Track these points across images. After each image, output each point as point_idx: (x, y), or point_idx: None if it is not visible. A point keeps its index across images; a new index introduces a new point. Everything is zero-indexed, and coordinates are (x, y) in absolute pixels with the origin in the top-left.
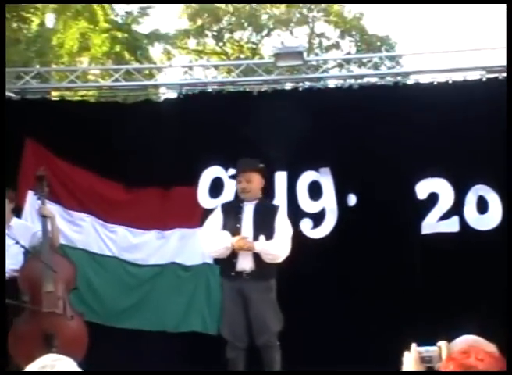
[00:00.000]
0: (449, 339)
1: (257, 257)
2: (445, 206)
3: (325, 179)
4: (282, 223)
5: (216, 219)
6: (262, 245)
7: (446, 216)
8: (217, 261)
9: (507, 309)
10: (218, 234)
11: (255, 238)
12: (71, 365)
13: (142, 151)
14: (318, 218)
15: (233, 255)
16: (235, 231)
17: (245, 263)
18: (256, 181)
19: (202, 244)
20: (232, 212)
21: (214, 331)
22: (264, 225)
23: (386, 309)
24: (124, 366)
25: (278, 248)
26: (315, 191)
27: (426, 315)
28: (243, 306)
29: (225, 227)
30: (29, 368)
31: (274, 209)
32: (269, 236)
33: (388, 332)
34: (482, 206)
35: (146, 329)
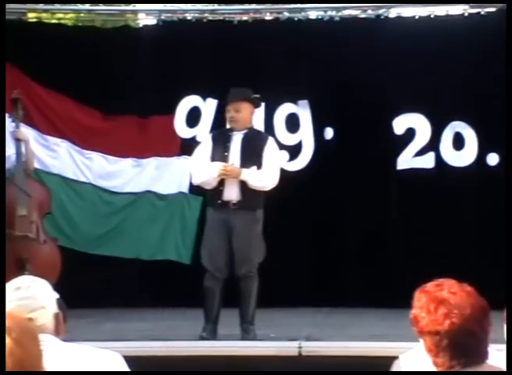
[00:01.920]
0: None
1: (244, 187)
2: (421, 142)
3: (303, 111)
4: (270, 153)
5: (205, 148)
6: (249, 173)
7: (422, 152)
8: (197, 191)
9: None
10: (206, 164)
11: (242, 167)
12: (46, 287)
13: (119, 78)
14: (294, 150)
15: (220, 184)
16: (222, 159)
17: (232, 193)
18: (245, 111)
19: (191, 173)
20: (220, 141)
21: (188, 260)
22: (252, 154)
23: (361, 243)
24: (97, 293)
25: (265, 175)
26: (293, 123)
27: (401, 250)
28: (226, 237)
29: (213, 155)
30: None
31: (263, 139)
32: (257, 165)
33: (361, 264)
34: (459, 143)
35: (120, 256)
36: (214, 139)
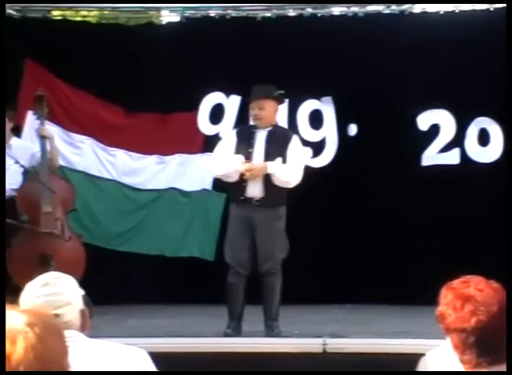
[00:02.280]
0: (443, 271)
1: (267, 184)
2: (446, 138)
3: (327, 108)
4: (295, 150)
5: (229, 143)
6: (276, 167)
7: (446, 148)
8: (225, 187)
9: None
10: (229, 157)
11: None
12: (72, 283)
13: (143, 75)
14: (318, 147)
15: (243, 180)
16: (247, 156)
17: (255, 189)
18: (269, 108)
19: (211, 165)
20: (245, 138)
21: (211, 257)
22: (277, 152)
23: (384, 239)
24: (121, 289)
25: (290, 171)
26: (316, 119)
27: (423, 247)
28: (250, 234)
29: (237, 152)
30: (29, 285)
31: (287, 136)
32: (282, 162)
33: (383, 261)
34: (484, 139)
35: (143, 252)
36: (238, 135)
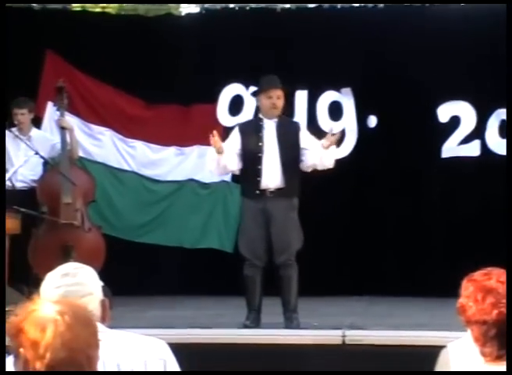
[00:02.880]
0: (462, 263)
1: (282, 173)
2: (466, 130)
3: (347, 99)
4: (309, 136)
5: (233, 140)
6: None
7: (467, 140)
8: (238, 180)
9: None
10: (212, 152)
11: (281, 155)
12: (92, 274)
13: (162, 66)
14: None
15: (257, 173)
16: (256, 150)
17: (269, 181)
18: (282, 98)
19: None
20: (252, 132)
21: (230, 249)
22: (289, 140)
23: (403, 231)
24: (141, 280)
25: (330, 153)
26: (336, 111)
27: (444, 239)
28: (264, 225)
29: (246, 147)
30: (50, 275)
31: (296, 126)
32: (295, 151)
33: (401, 252)
34: (504, 130)
35: (163, 244)
36: (242, 130)
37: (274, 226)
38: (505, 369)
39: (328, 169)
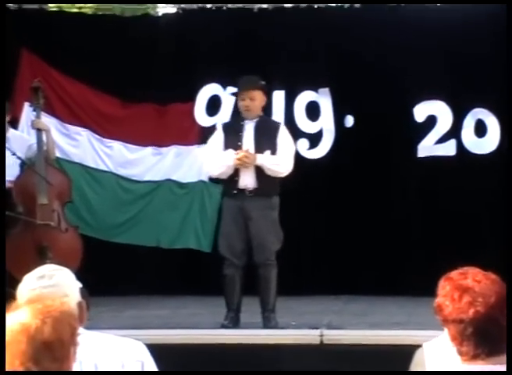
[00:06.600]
0: (439, 262)
1: (259, 173)
2: (442, 129)
3: (324, 99)
4: (284, 139)
5: (217, 138)
6: (265, 158)
7: (443, 139)
8: (216, 180)
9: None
10: (220, 154)
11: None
12: (69, 276)
13: (139, 66)
14: (315, 138)
15: (235, 173)
16: (236, 149)
17: (247, 180)
18: (259, 99)
19: (204, 164)
20: (232, 131)
21: (208, 248)
22: (266, 142)
23: (380, 230)
24: (118, 280)
25: (280, 161)
26: (313, 111)
27: (420, 238)
28: (243, 225)
29: (226, 146)
30: (26, 277)
31: (275, 127)
32: (272, 153)
33: (378, 251)
34: (481, 130)
35: (140, 244)
36: (225, 130)
37: (252, 226)
38: (481, 369)
39: (306, 169)
